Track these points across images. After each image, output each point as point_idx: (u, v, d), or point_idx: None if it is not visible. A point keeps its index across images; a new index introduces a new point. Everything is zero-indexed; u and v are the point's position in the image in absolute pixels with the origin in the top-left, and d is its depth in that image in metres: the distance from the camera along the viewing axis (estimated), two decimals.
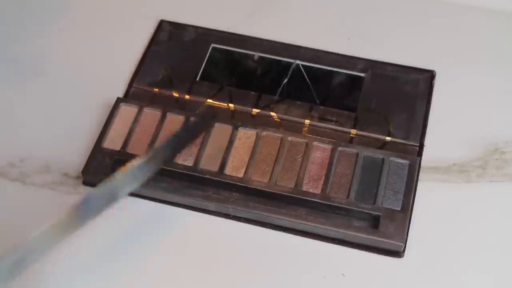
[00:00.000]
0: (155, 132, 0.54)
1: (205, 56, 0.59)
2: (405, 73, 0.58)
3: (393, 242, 0.49)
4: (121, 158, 0.53)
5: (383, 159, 0.52)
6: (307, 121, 0.55)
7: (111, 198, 0.45)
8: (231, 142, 0.54)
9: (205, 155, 0.53)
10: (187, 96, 0.57)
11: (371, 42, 0.61)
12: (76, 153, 0.55)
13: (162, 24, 0.62)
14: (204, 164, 0.53)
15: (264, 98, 0.57)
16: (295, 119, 0.56)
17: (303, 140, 0.54)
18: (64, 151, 0.55)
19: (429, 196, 0.52)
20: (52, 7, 0.65)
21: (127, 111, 0.56)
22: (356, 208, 0.50)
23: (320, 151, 0.53)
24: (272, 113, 0.56)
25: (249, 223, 0.51)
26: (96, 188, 0.45)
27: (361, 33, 0.62)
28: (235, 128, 0.54)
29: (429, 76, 0.58)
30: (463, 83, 0.58)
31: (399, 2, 0.64)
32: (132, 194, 0.52)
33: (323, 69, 0.58)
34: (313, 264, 0.50)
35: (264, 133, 0.54)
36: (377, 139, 0.54)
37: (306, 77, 0.58)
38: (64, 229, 0.43)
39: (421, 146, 0.54)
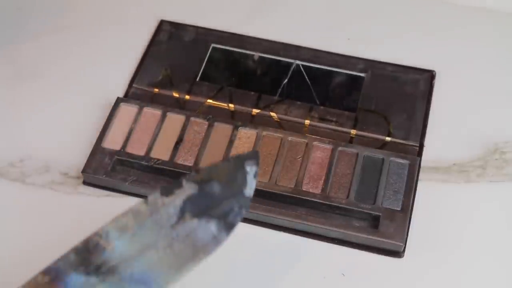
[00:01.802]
0: (155, 132, 0.54)
1: (205, 56, 0.60)
2: (405, 73, 0.58)
3: (393, 242, 0.49)
4: (121, 157, 0.53)
5: (383, 159, 0.52)
6: (307, 121, 0.55)
7: None
8: (231, 142, 0.54)
9: (205, 155, 0.53)
10: (187, 96, 0.57)
11: (371, 42, 0.61)
12: (76, 153, 0.55)
13: (162, 24, 0.62)
14: (204, 164, 0.53)
15: (264, 98, 0.57)
16: (295, 119, 0.56)
17: (303, 140, 0.54)
18: (64, 151, 0.55)
19: (429, 196, 0.52)
20: (52, 7, 0.65)
21: (127, 111, 0.56)
22: (356, 208, 0.50)
23: (320, 151, 0.53)
24: (272, 113, 0.56)
25: (249, 223, 0.51)
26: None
27: (361, 33, 0.62)
28: (235, 128, 0.54)
29: (429, 76, 0.58)
30: (463, 83, 0.58)
31: (399, 2, 0.64)
32: (132, 194, 0.53)
33: (323, 69, 0.58)
34: (313, 264, 0.50)
35: (264, 133, 0.54)
36: (377, 139, 0.54)
37: (306, 77, 0.58)
38: None
39: (421, 146, 0.54)
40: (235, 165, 0.40)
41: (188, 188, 0.39)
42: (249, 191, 0.40)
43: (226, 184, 0.39)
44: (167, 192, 0.39)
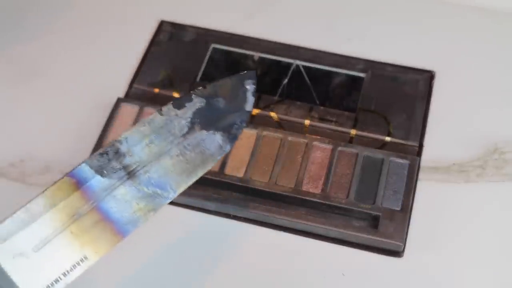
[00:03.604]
0: None
1: (205, 57, 0.60)
2: (405, 73, 0.58)
3: (393, 242, 0.49)
4: None
5: (382, 159, 0.53)
6: (307, 122, 0.55)
7: None
8: None
9: None
10: None
11: (371, 42, 0.61)
12: (76, 153, 0.55)
13: (162, 25, 0.62)
14: None
15: (264, 98, 0.57)
16: (295, 119, 0.56)
17: (303, 140, 0.54)
18: (65, 151, 0.55)
19: (428, 196, 0.52)
20: (52, 7, 0.65)
21: (128, 111, 0.56)
22: (355, 208, 0.50)
23: (320, 151, 0.54)
24: (272, 114, 0.56)
25: (249, 223, 0.51)
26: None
27: (361, 33, 0.62)
28: None
29: (429, 76, 0.58)
30: (462, 83, 0.58)
31: (399, 2, 0.64)
32: None
33: (323, 69, 0.58)
34: (313, 264, 0.50)
35: (264, 133, 0.54)
36: (377, 139, 0.54)
37: (306, 78, 0.58)
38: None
39: (421, 146, 0.54)
40: (236, 83, 0.45)
41: (197, 102, 0.43)
42: (249, 106, 0.45)
43: (229, 100, 0.44)
44: (179, 105, 0.43)
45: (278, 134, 0.54)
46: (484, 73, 0.59)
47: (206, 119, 0.43)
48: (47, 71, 0.60)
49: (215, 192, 0.52)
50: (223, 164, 0.53)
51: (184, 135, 0.43)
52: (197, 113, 0.43)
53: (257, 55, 0.59)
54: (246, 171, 0.52)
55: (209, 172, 0.52)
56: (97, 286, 0.49)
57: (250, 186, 0.52)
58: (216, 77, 0.58)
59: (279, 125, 0.56)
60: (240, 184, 0.52)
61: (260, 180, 0.52)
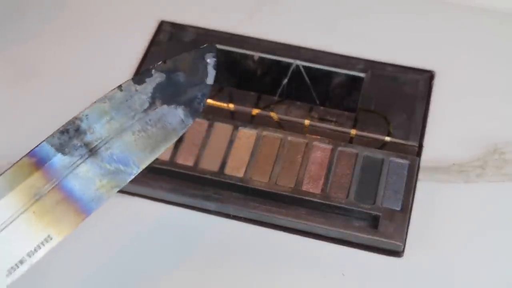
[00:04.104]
0: None
1: None
2: (405, 73, 0.58)
3: (393, 242, 0.49)
4: None
5: (382, 159, 0.53)
6: (307, 122, 0.55)
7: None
8: (231, 142, 0.54)
9: (205, 155, 0.53)
10: None
11: (371, 42, 0.61)
12: None
13: (162, 25, 0.62)
14: (204, 164, 0.53)
15: (264, 99, 0.57)
16: (295, 119, 0.56)
17: (303, 140, 0.54)
18: None
19: (428, 196, 0.52)
20: (52, 7, 0.65)
21: None
22: (355, 208, 0.50)
23: (320, 151, 0.54)
24: (272, 114, 0.56)
25: (249, 223, 0.51)
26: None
27: (361, 33, 0.62)
28: (235, 128, 0.54)
29: (429, 76, 0.58)
30: (462, 83, 0.58)
31: (399, 2, 0.64)
32: (132, 194, 0.53)
33: (323, 69, 0.58)
34: (313, 264, 0.50)
35: (264, 133, 0.54)
36: (377, 139, 0.54)
37: (306, 78, 0.58)
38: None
39: (421, 146, 0.54)
40: (196, 57, 0.44)
41: (157, 77, 0.43)
42: (210, 79, 0.44)
43: (189, 74, 0.44)
44: (139, 80, 0.42)
45: (278, 134, 0.54)
46: (484, 73, 0.59)
47: (167, 94, 0.43)
48: (46, 71, 0.60)
49: (215, 192, 0.52)
50: (223, 164, 0.53)
51: (145, 111, 0.42)
52: (158, 88, 0.43)
53: (257, 55, 0.59)
54: (246, 171, 0.52)
55: (209, 172, 0.52)
56: (97, 285, 0.49)
57: (250, 186, 0.52)
58: (216, 77, 0.58)
59: (279, 125, 0.56)
60: (240, 184, 0.52)
61: (260, 180, 0.52)
